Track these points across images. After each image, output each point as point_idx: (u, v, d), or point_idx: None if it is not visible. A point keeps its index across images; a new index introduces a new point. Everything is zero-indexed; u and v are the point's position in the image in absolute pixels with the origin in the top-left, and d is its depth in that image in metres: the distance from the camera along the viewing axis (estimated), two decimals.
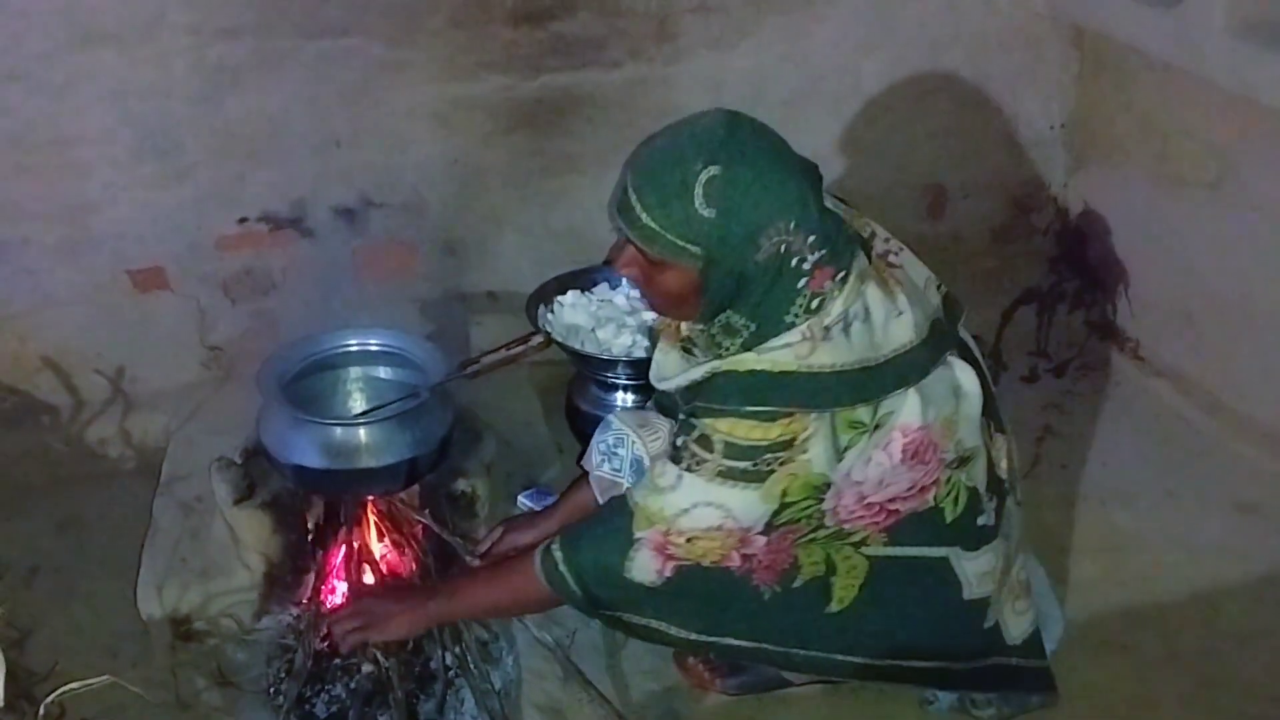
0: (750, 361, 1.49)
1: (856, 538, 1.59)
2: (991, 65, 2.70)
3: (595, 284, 2.46)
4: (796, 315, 1.49)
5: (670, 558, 1.56)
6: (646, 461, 1.74)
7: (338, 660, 1.92)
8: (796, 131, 2.62)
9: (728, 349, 1.53)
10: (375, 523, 2.03)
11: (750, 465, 1.49)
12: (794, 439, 1.48)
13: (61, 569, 2.20)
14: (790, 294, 1.48)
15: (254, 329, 2.49)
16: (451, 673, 1.89)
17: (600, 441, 1.85)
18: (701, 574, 1.57)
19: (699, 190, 1.43)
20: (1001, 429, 1.72)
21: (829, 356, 1.48)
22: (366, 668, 1.87)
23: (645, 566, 1.57)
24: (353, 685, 1.87)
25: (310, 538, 2.05)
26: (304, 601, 1.99)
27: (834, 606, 1.64)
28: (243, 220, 2.40)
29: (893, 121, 2.69)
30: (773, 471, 1.49)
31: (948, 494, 1.60)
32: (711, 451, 1.50)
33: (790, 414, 1.47)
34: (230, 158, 2.34)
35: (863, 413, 1.50)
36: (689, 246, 1.46)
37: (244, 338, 2.49)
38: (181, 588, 1.94)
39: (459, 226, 2.53)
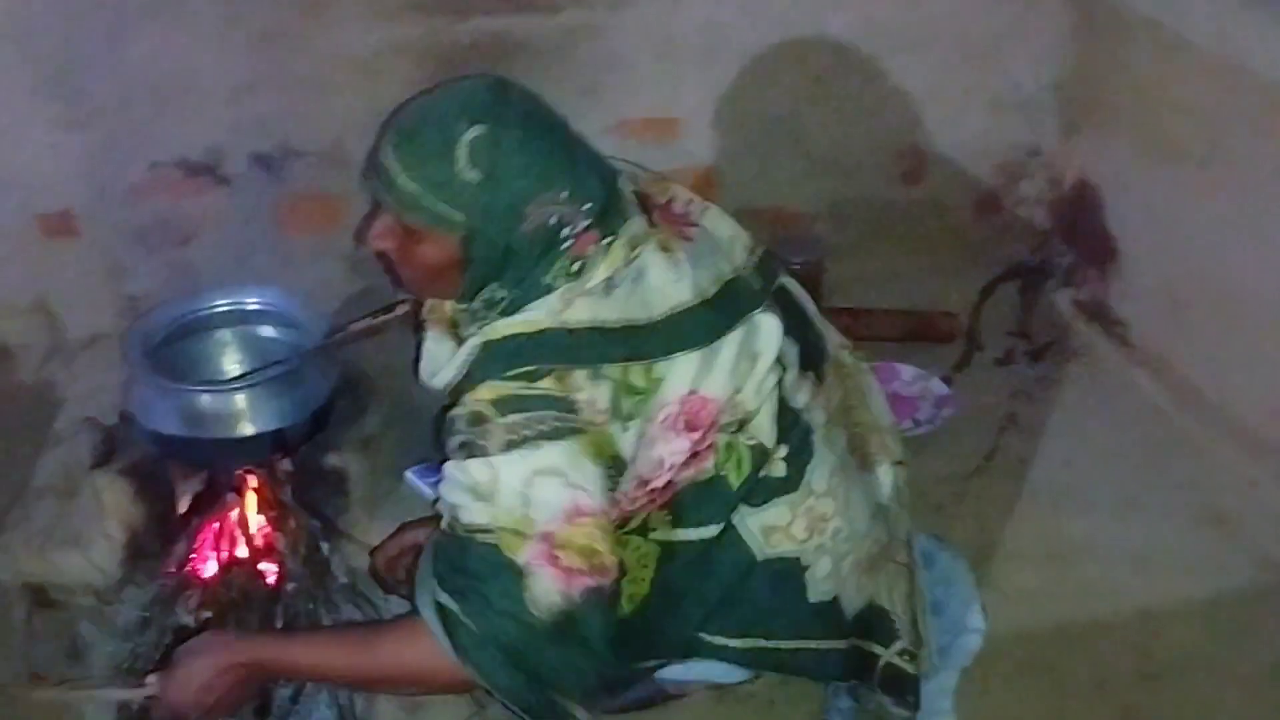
0: (503, 327, 1.35)
1: (636, 522, 1.44)
2: (976, 18, 2.47)
3: None
4: (555, 279, 1.36)
5: (568, 571, 1.33)
6: None
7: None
8: (756, 88, 2.49)
9: (486, 320, 1.39)
10: (254, 496, 1.92)
11: (534, 416, 1.31)
12: (567, 396, 1.32)
13: None
14: (552, 260, 1.35)
15: (172, 280, 2.38)
16: None
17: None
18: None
19: (462, 150, 1.30)
20: (808, 365, 1.52)
21: (587, 312, 1.34)
22: None
23: (549, 588, 1.32)
24: None
25: (186, 509, 1.95)
26: (168, 575, 1.89)
27: (625, 609, 1.46)
28: (154, 166, 2.28)
29: (865, 79, 2.48)
30: (576, 430, 1.32)
31: (727, 459, 1.43)
32: (486, 421, 1.32)
33: (552, 370, 1.32)
34: (138, 100, 2.21)
35: (636, 375, 1.35)
36: (451, 213, 1.32)
37: (163, 289, 2.38)
38: (39, 553, 1.85)
39: None
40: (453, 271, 1.38)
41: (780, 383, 1.47)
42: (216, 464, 1.86)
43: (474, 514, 1.34)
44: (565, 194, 1.33)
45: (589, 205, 1.36)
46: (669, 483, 1.42)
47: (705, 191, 2.52)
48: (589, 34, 2.33)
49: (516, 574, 1.31)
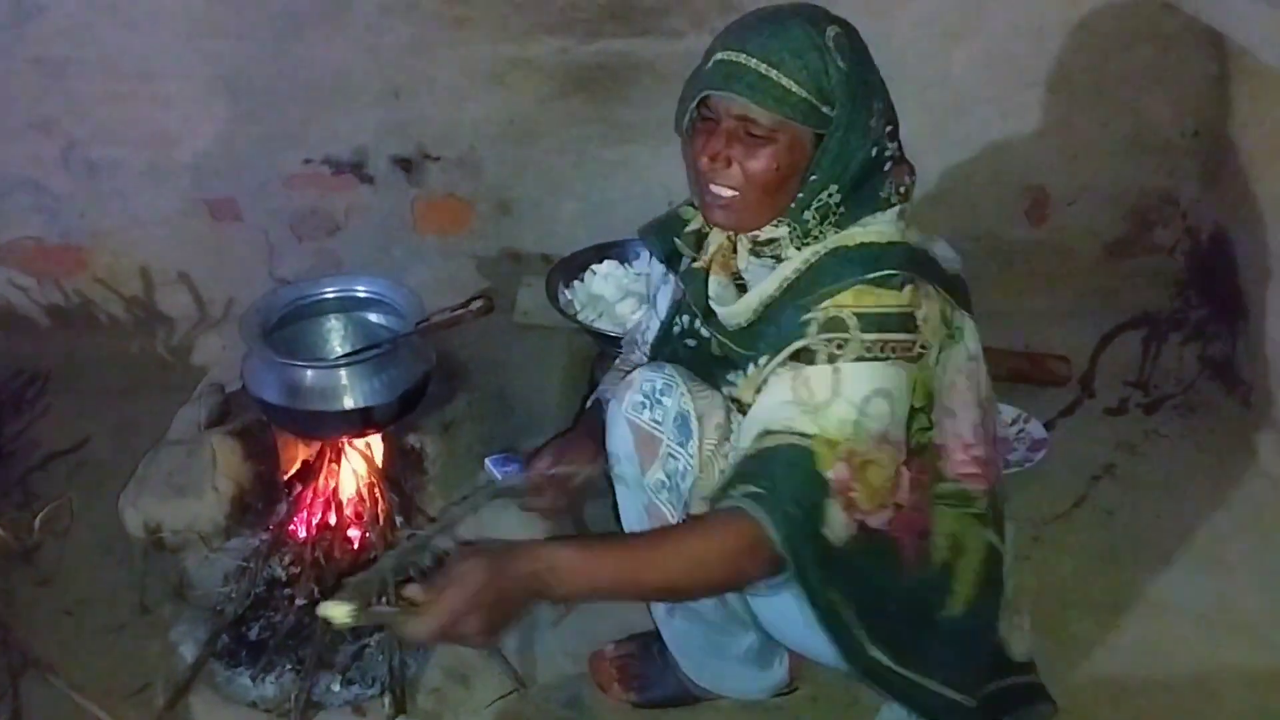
0: (857, 235, 1.40)
1: (976, 507, 1.46)
2: (1109, 59, 2.43)
3: (637, 256, 2.40)
4: (889, 194, 1.42)
5: (852, 507, 1.33)
6: (693, 420, 1.47)
7: (287, 590, 2.00)
8: None
9: (817, 237, 1.42)
10: (349, 468, 2.09)
11: (893, 336, 1.34)
12: (914, 313, 1.36)
13: (98, 465, 2.38)
14: (882, 176, 1.42)
15: (319, 266, 2.60)
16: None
17: (646, 381, 1.51)
18: (867, 537, 1.36)
19: (830, 43, 1.36)
20: None
21: (917, 237, 1.45)
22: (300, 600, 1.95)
23: (837, 522, 1.32)
24: (281, 619, 1.94)
25: (292, 473, 2.14)
26: (269, 529, 2.08)
27: (952, 609, 1.44)
28: (307, 161, 2.50)
29: (988, 115, 2.48)
30: (915, 359, 1.36)
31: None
32: (847, 329, 1.34)
33: (911, 279, 1.37)
34: (296, 101, 2.44)
35: (948, 309, 1.42)
36: (821, 106, 1.36)
37: (309, 274, 2.59)
38: (156, 500, 2.06)
39: (514, 187, 2.54)
40: (792, 179, 1.40)
41: None
42: (311, 433, 2.04)
43: (800, 423, 1.34)
44: (883, 104, 1.41)
45: (891, 127, 1.42)
46: (991, 460, 1.46)
47: None
48: None
49: (822, 488, 1.32)
